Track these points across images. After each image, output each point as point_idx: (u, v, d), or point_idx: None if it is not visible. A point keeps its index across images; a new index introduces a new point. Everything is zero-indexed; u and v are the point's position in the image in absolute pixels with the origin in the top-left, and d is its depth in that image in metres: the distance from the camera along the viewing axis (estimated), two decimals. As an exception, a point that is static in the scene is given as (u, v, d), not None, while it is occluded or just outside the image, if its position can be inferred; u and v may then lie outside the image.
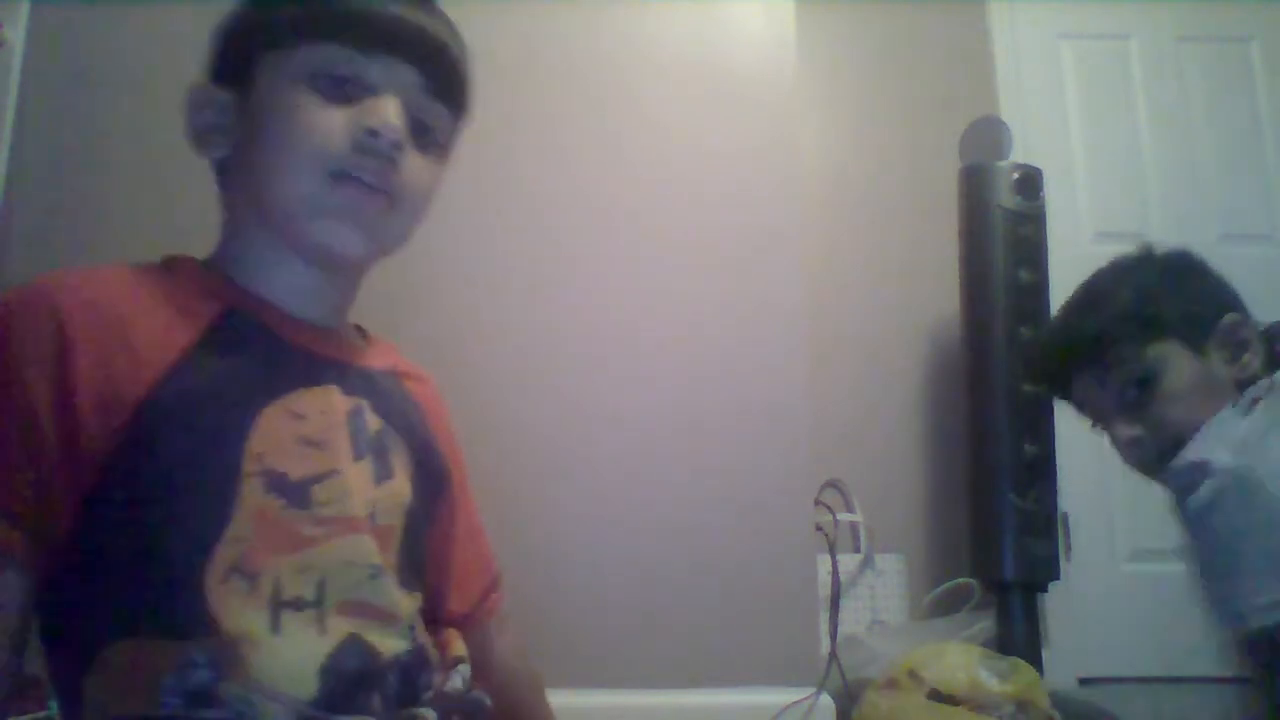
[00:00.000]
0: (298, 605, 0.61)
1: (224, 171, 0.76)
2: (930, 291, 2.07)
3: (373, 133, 0.68)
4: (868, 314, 2.11)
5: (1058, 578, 1.77)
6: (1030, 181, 1.88)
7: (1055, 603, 1.93)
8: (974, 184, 1.90)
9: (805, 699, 1.32)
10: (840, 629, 1.57)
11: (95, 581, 0.60)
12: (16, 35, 1.46)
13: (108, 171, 1.45)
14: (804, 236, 1.54)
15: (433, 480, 0.79)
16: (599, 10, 1.56)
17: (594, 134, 1.52)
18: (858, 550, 1.93)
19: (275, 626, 0.60)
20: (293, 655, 0.60)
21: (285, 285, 0.72)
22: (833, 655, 1.43)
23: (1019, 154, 2.00)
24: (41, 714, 0.94)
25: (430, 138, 0.75)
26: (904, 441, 2.07)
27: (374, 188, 0.69)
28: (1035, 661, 1.50)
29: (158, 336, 0.63)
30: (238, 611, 0.59)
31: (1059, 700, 1.24)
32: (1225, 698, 1.88)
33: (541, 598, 1.08)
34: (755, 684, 1.35)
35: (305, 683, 0.59)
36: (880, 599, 1.92)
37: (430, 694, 0.68)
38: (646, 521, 1.40)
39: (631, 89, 1.54)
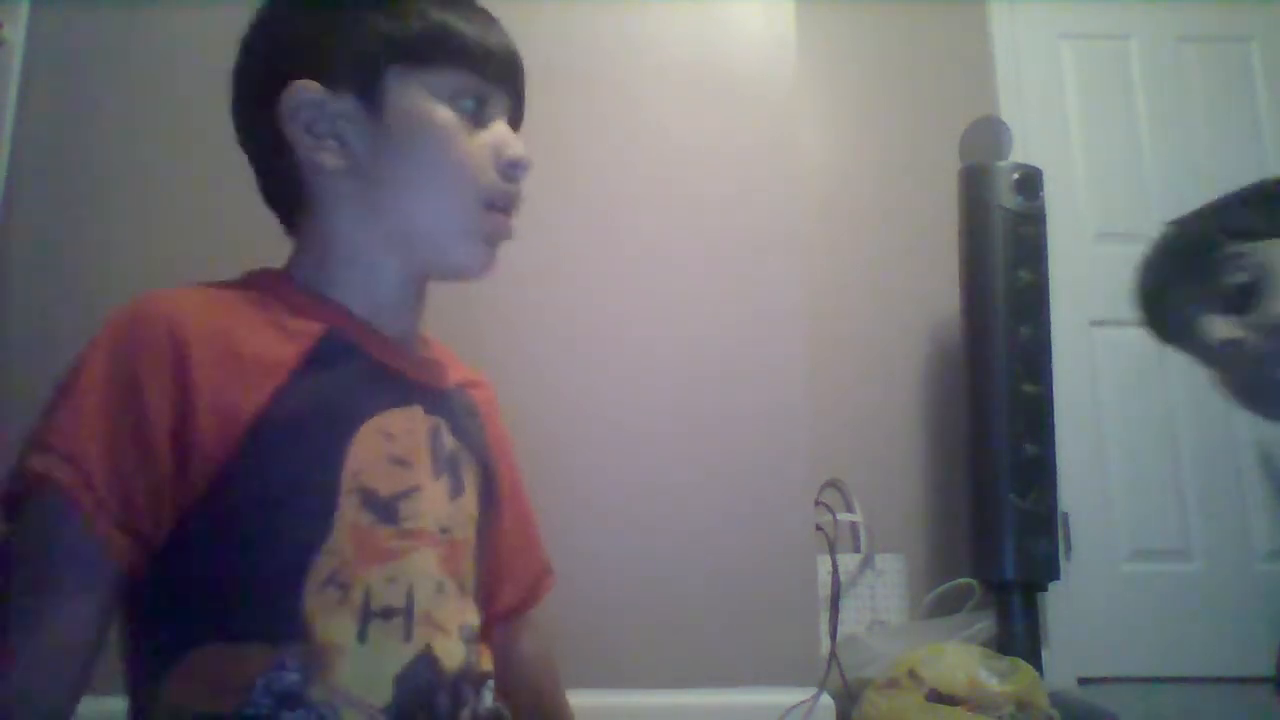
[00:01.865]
0: (387, 614, 0.64)
1: (323, 184, 0.72)
2: (930, 291, 2.07)
3: (515, 164, 0.74)
4: (868, 314, 2.11)
5: (1058, 578, 1.77)
6: (1030, 181, 1.88)
7: (1055, 603, 1.93)
8: (974, 184, 1.90)
9: (806, 700, 1.32)
10: (840, 629, 1.57)
11: (193, 587, 0.62)
12: (16, 35, 1.46)
13: (108, 171, 1.45)
14: (804, 236, 1.54)
15: (489, 485, 0.81)
16: (599, 10, 1.56)
17: (594, 134, 1.52)
18: (858, 550, 1.93)
19: (363, 635, 0.63)
20: (374, 663, 0.63)
21: (381, 302, 0.74)
22: (833, 655, 1.43)
23: (1019, 154, 2.00)
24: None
25: None
26: (904, 441, 2.07)
27: (510, 214, 0.75)
28: (1035, 661, 1.50)
29: (266, 356, 0.66)
30: (329, 620, 0.62)
31: (1059, 700, 1.24)
32: (1225, 698, 1.88)
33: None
34: (755, 684, 1.35)
35: (382, 691, 0.62)
36: (880, 599, 1.92)
37: (467, 711, 0.70)
38: (647, 522, 1.40)
39: (631, 89, 1.54)
